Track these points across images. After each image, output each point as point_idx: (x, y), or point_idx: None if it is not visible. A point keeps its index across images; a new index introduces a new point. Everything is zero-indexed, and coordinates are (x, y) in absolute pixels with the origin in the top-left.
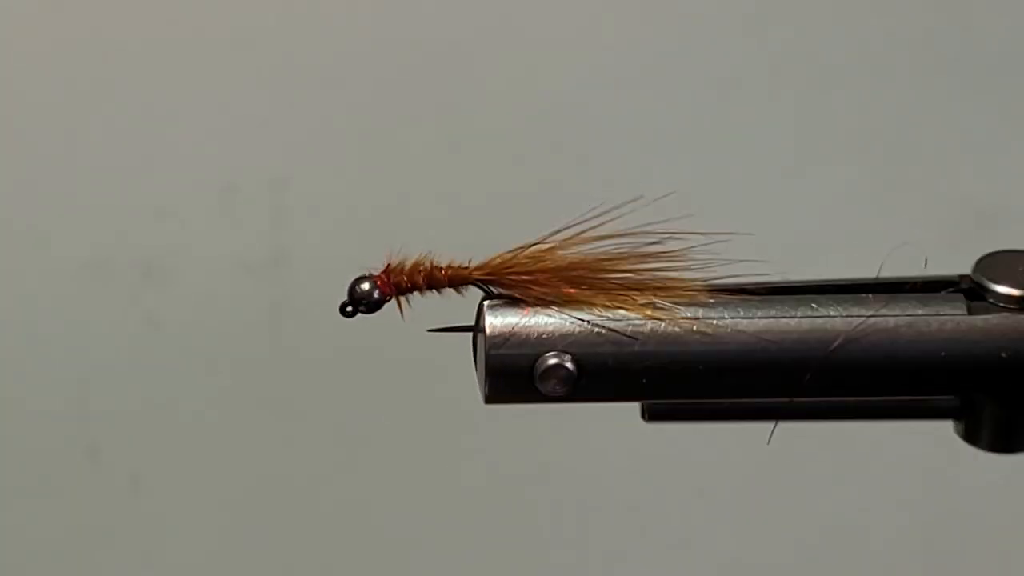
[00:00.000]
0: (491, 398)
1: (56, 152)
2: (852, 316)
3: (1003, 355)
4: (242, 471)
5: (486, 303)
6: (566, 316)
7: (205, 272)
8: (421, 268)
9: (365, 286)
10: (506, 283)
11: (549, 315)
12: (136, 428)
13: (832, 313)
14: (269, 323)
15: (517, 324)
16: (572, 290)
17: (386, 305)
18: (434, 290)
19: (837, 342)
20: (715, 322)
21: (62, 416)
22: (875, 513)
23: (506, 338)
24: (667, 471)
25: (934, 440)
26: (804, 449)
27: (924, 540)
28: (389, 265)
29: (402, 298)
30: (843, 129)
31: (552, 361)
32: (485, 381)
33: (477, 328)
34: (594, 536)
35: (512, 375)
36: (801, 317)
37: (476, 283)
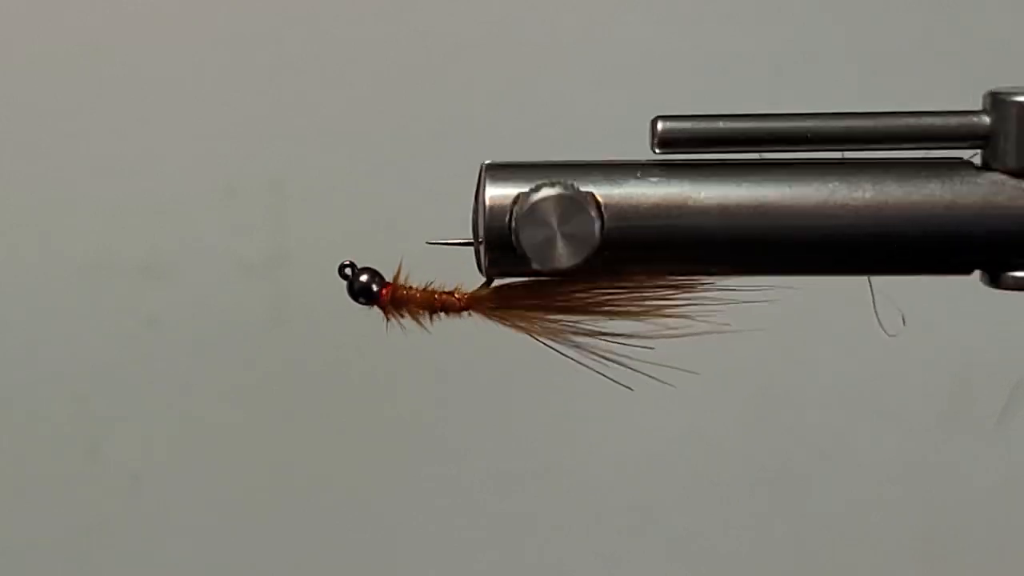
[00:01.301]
0: (491, 270)
1: (56, 152)
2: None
3: None
4: (242, 471)
5: (487, 173)
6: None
7: (205, 272)
8: (422, 289)
9: (364, 278)
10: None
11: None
12: (136, 428)
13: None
14: (269, 323)
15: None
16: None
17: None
18: (426, 312)
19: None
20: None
21: (62, 416)
22: (875, 513)
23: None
24: (667, 471)
25: (934, 441)
26: (804, 449)
27: (924, 541)
28: (396, 282)
29: (395, 310)
30: None
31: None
32: (486, 254)
33: (476, 239)
34: (594, 536)
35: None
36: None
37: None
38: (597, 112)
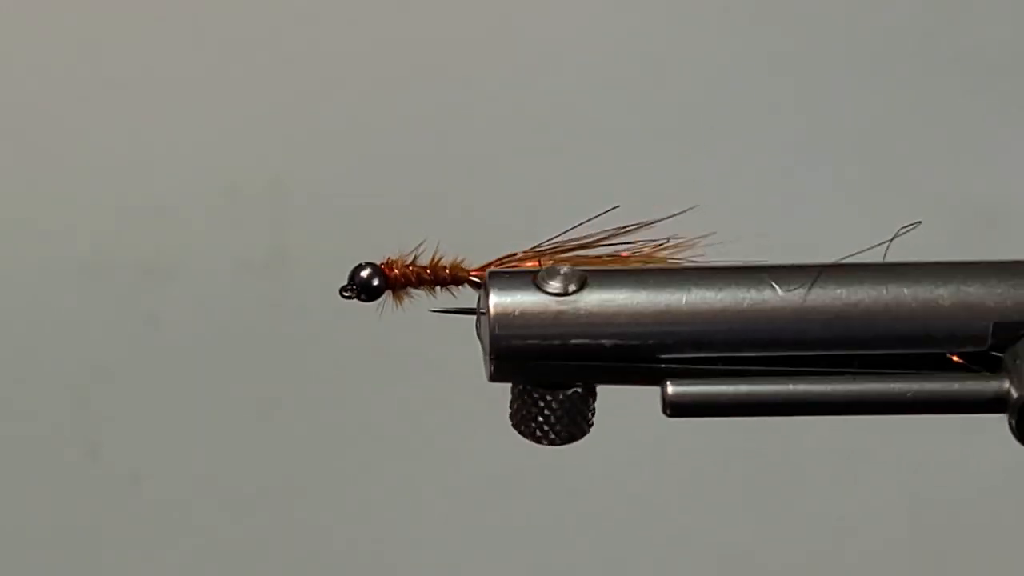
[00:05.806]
0: (496, 376)
1: (56, 152)
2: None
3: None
4: (242, 471)
5: (490, 277)
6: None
7: (205, 272)
8: (426, 266)
9: (366, 273)
10: None
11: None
12: (136, 428)
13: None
14: (269, 323)
15: (524, 302)
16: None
17: (386, 298)
18: (431, 287)
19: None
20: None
21: (62, 416)
22: (875, 513)
23: (512, 317)
24: (667, 470)
25: (935, 439)
26: (805, 449)
27: (924, 541)
28: (390, 259)
29: (401, 291)
30: (843, 129)
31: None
32: (491, 363)
33: (480, 310)
34: (594, 535)
35: (519, 354)
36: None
37: (474, 284)
38: (597, 112)
